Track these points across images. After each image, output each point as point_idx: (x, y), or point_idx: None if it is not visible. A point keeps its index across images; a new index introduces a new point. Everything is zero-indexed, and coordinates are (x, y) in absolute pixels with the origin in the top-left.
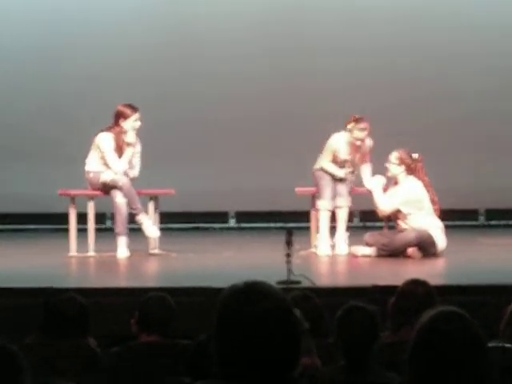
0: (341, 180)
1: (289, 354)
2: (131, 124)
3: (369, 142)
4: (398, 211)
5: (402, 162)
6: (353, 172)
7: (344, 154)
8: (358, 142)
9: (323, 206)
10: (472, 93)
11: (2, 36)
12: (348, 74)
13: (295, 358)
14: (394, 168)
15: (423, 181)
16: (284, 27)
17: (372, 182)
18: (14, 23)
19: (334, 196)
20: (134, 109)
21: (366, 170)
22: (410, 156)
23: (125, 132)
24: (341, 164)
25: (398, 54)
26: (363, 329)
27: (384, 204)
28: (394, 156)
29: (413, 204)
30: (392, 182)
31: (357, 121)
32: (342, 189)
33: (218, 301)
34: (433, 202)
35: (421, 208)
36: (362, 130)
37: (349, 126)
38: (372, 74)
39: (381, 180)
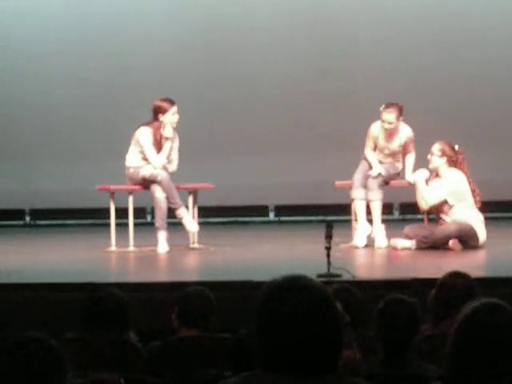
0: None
1: (331, 347)
2: (170, 118)
3: (408, 132)
4: (443, 203)
5: (443, 153)
6: (392, 163)
7: (381, 140)
8: (387, 125)
9: (352, 195)
10: (508, 82)
11: (30, 42)
12: (388, 68)
13: (337, 351)
14: (436, 160)
15: (465, 173)
16: (314, 27)
17: (415, 176)
18: (35, 28)
19: (364, 184)
20: (172, 102)
21: (408, 161)
22: (452, 148)
23: (164, 126)
24: (380, 151)
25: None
26: (403, 321)
27: (430, 197)
28: (436, 148)
29: (456, 196)
30: (433, 174)
31: (386, 105)
32: (372, 182)
33: (258, 296)
34: (474, 193)
35: (463, 200)
36: (390, 112)
37: (380, 109)
38: (413, 68)
39: (424, 173)
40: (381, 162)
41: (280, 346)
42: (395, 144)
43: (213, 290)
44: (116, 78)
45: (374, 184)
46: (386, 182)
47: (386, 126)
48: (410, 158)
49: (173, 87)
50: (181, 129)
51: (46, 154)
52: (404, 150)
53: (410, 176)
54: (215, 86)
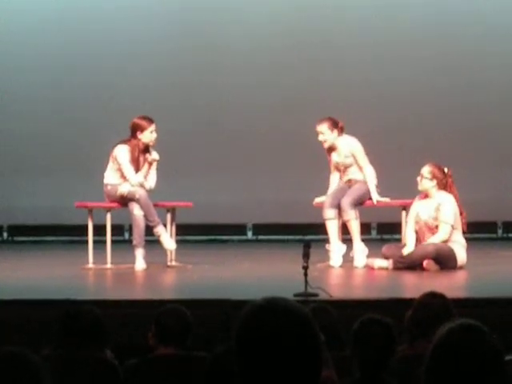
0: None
1: (310, 368)
2: (148, 136)
3: (350, 143)
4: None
5: (434, 176)
6: (349, 181)
7: (330, 158)
8: (320, 137)
9: (323, 215)
10: (493, 104)
11: (14, 47)
12: (367, 86)
13: (317, 373)
14: (426, 182)
15: (454, 195)
16: (300, 37)
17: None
18: (25, 32)
19: (334, 205)
20: (150, 121)
21: (367, 179)
22: (442, 170)
23: (143, 145)
24: (335, 167)
25: (415, 64)
26: (379, 341)
27: (446, 233)
28: (426, 170)
29: (456, 216)
30: (422, 195)
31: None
32: (343, 202)
33: (238, 317)
34: (461, 216)
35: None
36: (320, 123)
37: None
38: (391, 85)
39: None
40: (340, 180)
41: (260, 367)
42: (341, 157)
43: (190, 308)
44: (94, 95)
45: (346, 204)
46: (360, 203)
47: (320, 137)
48: (367, 174)
49: (150, 105)
50: (159, 147)
51: (23, 170)
52: (357, 165)
53: (375, 197)
54: (193, 105)
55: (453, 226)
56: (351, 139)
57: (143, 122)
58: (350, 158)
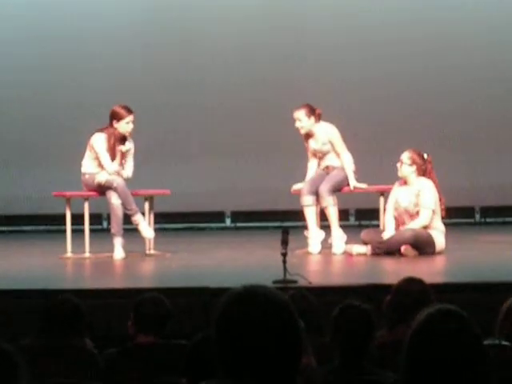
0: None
1: (290, 355)
2: (123, 126)
3: (327, 129)
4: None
5: (413, 162)
6: (327, 168)
7: (305, 143)
8: (297, 123)
9: (301, 202)
10: (468, 89)
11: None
12: (347, 72)
13: (297, 359)
14: (406, 168)
15: (434, 181)
16: (285, 31)
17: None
18: (8, 30)
19: (312, 191)
20: (129, 111)
21: (345, 165)
22: (422, 156)
23: (119, 134)
24: (312, 154)
25: (394, 49)
26: (358, 327)
27: (427, 218)
28: (405, 156)
29: (436, 202)
30: (401, 181)
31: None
32: (321, 189)
33: (217, 306)
34: (440, 202)
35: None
36: (298, 109)
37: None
38: (367, 70)
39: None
40: (318, 167)
41: (240, 354)
42: (318, 144)
43: (169, 296)
44: (73, 81)
45: (323, 190)
46: (338, 189)
47: (297, 124)
48: (344, 160)
49: (130, 90)
50: (137, 134)
51: (0, 159)
52: (335, 152)
53: (352, 183)
54: (171, 90)
55: (434, 211)
56: (328, 126)
57: (121, 112)
58: (328, 144)
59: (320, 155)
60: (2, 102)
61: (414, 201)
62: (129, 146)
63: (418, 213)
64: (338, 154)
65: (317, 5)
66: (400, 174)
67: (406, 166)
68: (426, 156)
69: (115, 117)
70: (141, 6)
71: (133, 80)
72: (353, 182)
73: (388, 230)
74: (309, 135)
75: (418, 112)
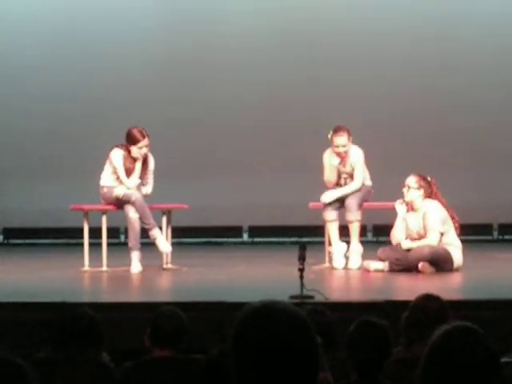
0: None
1: (307, 371)
2: (135, 151)
3: (358, 154)
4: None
5: (420, 186)
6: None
7: (337, 165)
8: (341, 149)
9: (324, 217)
10: (486, 106)
11: (6, 56)
12: (364, 87)
13: (313, 376)
14: (414, 193)
15: (441, 202)
16: (293, 37)
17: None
18: (16, 42)
19: (336, 207)
20: (143, 136)
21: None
22: (426, 179)
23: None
24: (339, 177)
25: (410, 65)
26: (375, 344)
27: (434, 240)
28: (412, 181)
29: (445, 221)
30: (408, 207)
31: (334, 130)
32: (350, 203)
33: (234, 321)
34: (453, 220)
35: (444, 225)
36: (341, 136)
37: (329, 136)
38: (382, 86)
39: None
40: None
41: (257, 370)
42: (349, 167)
43: (186, 310)
44: (90, 96)
45: (352, 205)
46: (360, 205)
47: (341, 149)
48: (354, 184)
49: (148, 107)
50: (156, 149)
51: (19, 172)
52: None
53: (325, 196)
54: (191, 106)
55: (442, 233)
56: (358, 150)
57: (136, 136)
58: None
59: (345, 176)
60: (20, 114)
61: (422, 224)
62: (135, 153)
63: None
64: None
65: (331, 18)
66: (407, 198)
67: (413, 190)
68: (429, 179)
69: (129, 140)
70: (154, 22)
71: (153, 95)
72: (325, 195)
73: (405, 241)
74: (344, 157)
75: (435, 130)
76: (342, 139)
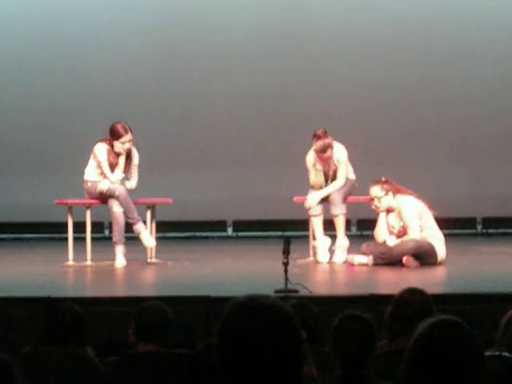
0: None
1: (292, 365)
2: (118, 145)
3: (340, 153)
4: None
5: (386, 190)
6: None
7: (319, 166)
8: (325, 154)
9: (309, 212)
10: (470, 100)
11: (3, 51)
12: (350, 79)
13: (298, 370)
14: (385, 199)
15: (410, 194)
16: (284, 31)
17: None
18: (13, 37)
19: (322, 201)
20: (126, 131)
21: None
22: (385, 181)
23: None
24: (325, 176)
25: (396, 57)
26: (359, 337)
27: (415, 233)
28: (377, 190)
29: (419, 215)
30: (386, 213)
31: (314, 136)
32: (335, 197)
33: (220, 315)
34: (425, 203)
35: (422, 218)
36: (315, 144)
37: (313, 141)
38: (367, 79)
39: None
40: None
41: (242, 364)
42: (333, 166)
43: (170, 304)
44: (78, 90)
45: (336, 199)
46: (344, 198)
47: (324, 155)
48: (337, 182)
49: (135, 100)
50: (140, 143)
51: (3, 166)
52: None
53: (309, 198)
54: (175, 100)
55: (420, 226)
56: (340, 148)
57: (119, 131)
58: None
59: (331, 174)
60: (5, 111)
61: (401, 222)
62: (118, 148)
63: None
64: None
65: (323, 15)
66: (382, 208)
67: (383, 198)
68: (383, 179)
69: (112, 135)
70: (147, 15)
71: (137, 89)
72: (310, 197)
73: (389, 238)
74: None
75: (419, 123)
76: (317, 147)
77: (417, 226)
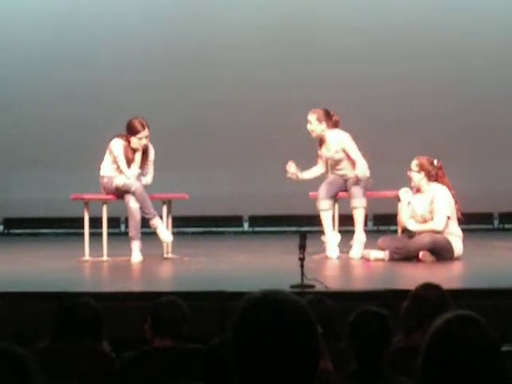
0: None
1: (308, 360)
2: (135, 141)
3: (340, 137)
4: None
5: (421, 168)
6: (343, 176)
7: (320, 151)
8: (308, 126)
9: (318, 206)
10: (489, 97)
11: (16, 43)
12: (359, 81)
13: (314, 365)
14: (415, 175)
15: (447, 185)
16: (291, 34)
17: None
18: (26, 29)
19: (329, 196)
20: (144, 127)
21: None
22: (431, 162)
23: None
24: (326, 162)
25: (407, 48)
26: (375, 333)
27: (438, 225)
28: (413, 164)
29: (450, 207)
30: (414, 190)
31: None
32: (355, 190)
33: (235, 310)
34: (455, 205)
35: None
36: (310, 114)
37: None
38: (388, 81)
39: (406, 194)
40: (334, 173)
41: (257, 359)
42: (330, 151)
43: (186, 300)
44: (92, 87)
45: (357, 192)
46: (364, 193)
47: (308, 127)
48: (358, 167)
49: (150, 97)
50: (156, 139)
51: (19, 162)
52: (350, 160)
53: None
54: (191, 97)
55: (449, 217)
56: (341, 133)
57: (136, 127)
58: (340, 152)
59: (332, 163)
60: (22, 106)
61: (429, 208)
62: (135, 144)
63: (433, 219)
64: (353, 163)
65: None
66: (412, 182)
67: (414, 173)
68: (435, 162)
69: (129, 130)
70: (157, 17)
71: (153, 87)
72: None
73: (410, 221)
74: (322, 141)
75: (436, 117)
76: (309, 115)
77: (445, 215)
